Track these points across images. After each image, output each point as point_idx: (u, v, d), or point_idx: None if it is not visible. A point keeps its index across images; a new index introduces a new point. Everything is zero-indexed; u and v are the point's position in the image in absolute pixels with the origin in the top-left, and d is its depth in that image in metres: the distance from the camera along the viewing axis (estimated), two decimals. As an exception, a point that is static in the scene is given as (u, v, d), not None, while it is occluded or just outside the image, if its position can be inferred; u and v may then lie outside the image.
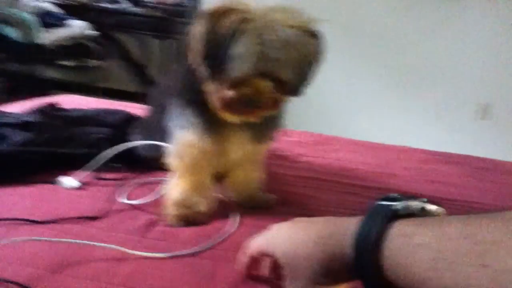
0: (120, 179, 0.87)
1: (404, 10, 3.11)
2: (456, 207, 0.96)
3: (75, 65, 2.60)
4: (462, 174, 1.24)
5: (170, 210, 0.75)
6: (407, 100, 3.26)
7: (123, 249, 0.61)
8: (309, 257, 0.47)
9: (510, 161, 1.42)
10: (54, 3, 2.57)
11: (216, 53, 0.64)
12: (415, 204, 0.44)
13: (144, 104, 1.09)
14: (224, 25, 0.63)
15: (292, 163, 1.16)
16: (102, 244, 0.61)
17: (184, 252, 0.64)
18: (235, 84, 0.66)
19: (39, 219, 0.68)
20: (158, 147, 0.86)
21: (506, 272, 0.32)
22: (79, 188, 0.83)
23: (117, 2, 3.10)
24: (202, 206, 0.76)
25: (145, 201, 0.79)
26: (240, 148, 0.78)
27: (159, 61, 3.29)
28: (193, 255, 0.64)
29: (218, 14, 0.65)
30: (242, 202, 0.85)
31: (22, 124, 0.99)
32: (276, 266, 0.53)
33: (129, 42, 3.40)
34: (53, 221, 0.68)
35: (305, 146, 1.33)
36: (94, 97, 1.72)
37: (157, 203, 0.78)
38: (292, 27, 0.65)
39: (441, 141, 3.08)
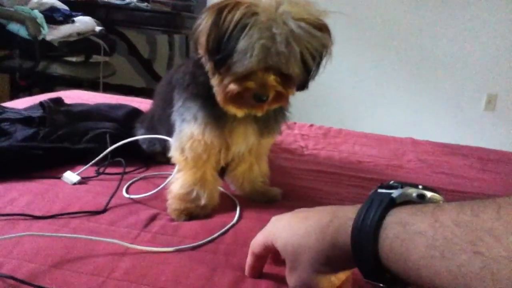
0: (123, 174, 0.87)
1: (412, 2, 3.07)
2: (465, 199, 0.94)
3: (83, 61, 2.60)
4: (470, 166, 1.23)
5: (173, 204, 0.75)
6: (413, 92, 3.23)
7: (124, 243, 0.61)
8: (309, 246, 0.47)
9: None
10: (61, -1, 2.58)
11: (223, 46, 0.64)
12: (412, 191, 0.43)
13: (151, 99, 1.08)
14: (231, 19, 0.63)
15: (297, 156, 1.15)
16: (104, 239, 0.61)
17: (186, 246, 0.63)
18: (241, 78, 0.66)
19: (40, 214, 0.68)
20: (161, 141, 0.86)
21: (498, 260, 0.32)
22: (81, 183, 0.83)
23: (125, -2, 3.10)
24: (205, 200, 0.76)
25: (148, 195, 0.79)
26: (245, 141, 0.78)
27: (167, 56, 3.29)
28: (195, 249, 0.64)
29: (225, 7, 0.64)
30: (246, 195, 0.85)
31: (26, 120, 0.99)
32: (277, 257, 0.53)
33: (137, 37, 3.41)
34: (54, 216, 0.68)
35: (311, 139, 1.32)
36: (101, 93, 1.73)
37: (159, 197, 0.78)
38: (300, 20, 0.64)
39: (448, 133, 3.06)
